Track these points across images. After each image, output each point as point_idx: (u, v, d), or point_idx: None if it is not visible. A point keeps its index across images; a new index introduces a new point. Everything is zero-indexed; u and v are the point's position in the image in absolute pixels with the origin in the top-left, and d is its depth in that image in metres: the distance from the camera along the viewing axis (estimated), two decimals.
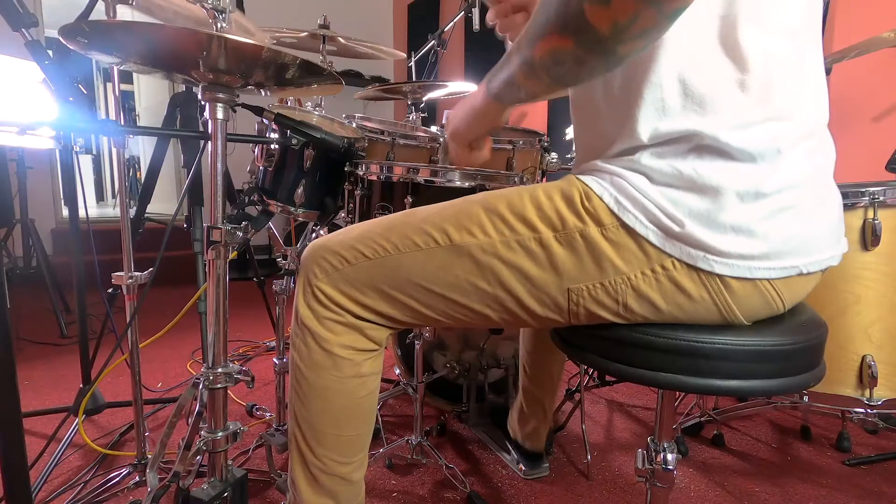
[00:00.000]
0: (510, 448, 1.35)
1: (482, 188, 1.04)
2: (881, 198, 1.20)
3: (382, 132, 1.19)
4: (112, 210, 6.03)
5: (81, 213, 1.37)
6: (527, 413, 1.28)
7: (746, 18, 0.58)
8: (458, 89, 1.57)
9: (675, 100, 0.60)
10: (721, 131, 0.58)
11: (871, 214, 1.21)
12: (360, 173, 1.11)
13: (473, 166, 0.86)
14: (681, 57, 0.59)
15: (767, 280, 0.61)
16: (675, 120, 0.60)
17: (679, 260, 0.61)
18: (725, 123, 0.59)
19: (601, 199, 0.64)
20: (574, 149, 0.81)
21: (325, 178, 1.12)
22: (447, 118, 0.83)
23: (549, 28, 0.54)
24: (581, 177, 0.68)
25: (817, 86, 0.64)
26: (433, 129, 1.43)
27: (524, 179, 1.08)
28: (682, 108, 0.60)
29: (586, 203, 0.65)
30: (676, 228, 0.60)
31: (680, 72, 0.60)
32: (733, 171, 0.59)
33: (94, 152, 7.15)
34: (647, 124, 0.62)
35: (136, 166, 6.02)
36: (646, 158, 0.62)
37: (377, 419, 1.23)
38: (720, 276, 0.61)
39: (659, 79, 0.60)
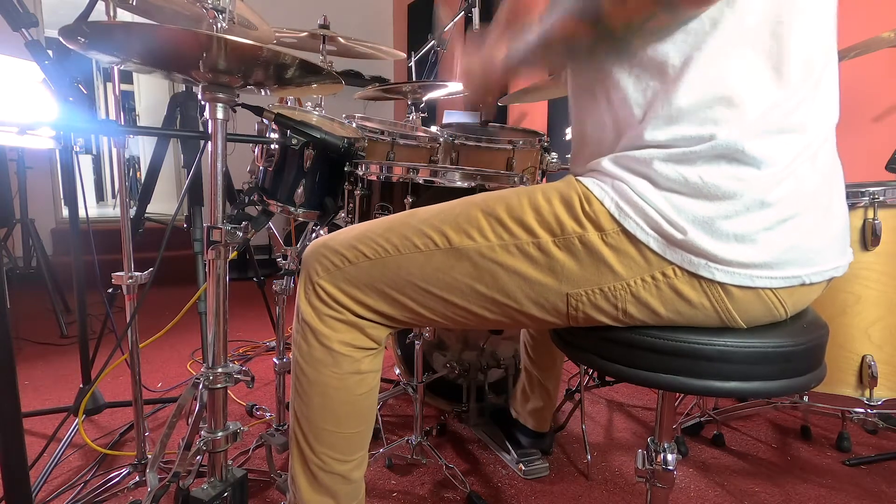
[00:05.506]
0: (510, 448, 1.35)
1: (482, 188, 1.04)
2: (881, 198, 1.20)
3: (382, 132, 1.19)
4: (112, 210, 6.03)
5: (81, 213, 1.37)
6: (529, 393, 1.29)
7: (797, 27, 0.57)
8: (458, 89, 1.57)
9: (703, 98, 0.58)
10: (742, 138, 0.57)
11: (871, 214, 1.21)
12: (360, 173, 1.11)
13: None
14: (719, 57, 0.57)
15: (770, 289, 0.61)
16: (699, 119, 0.58)
17: (680, 267, 0.61)
18: (748, 131, 0.57)
19: (602, 203, 0.63)
20: (572, 143, 0.78)
21: (325, 178, 1.12)
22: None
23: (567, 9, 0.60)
24: (581, 179, 0.67)
25: (831, 97, 0.63)
26: (433, 129, 1.43)
27: (524, 179, 1.08)
28: (708, 108, 0.58)
29: (586, 207, 0.64)
30: (679, 236, 0.59)
31: (718, 71, 0.57)
32: (741, 179, 0.58)
33: (94, 152, 7.14)
34: (666, 121, 0.60)
35: (136, 166, 6.02)
36: (654, 160, 0.60)
37: (377, 419, 1.23)
38: (721, 284, 0.60)
39: (689, 73, 0.58)
